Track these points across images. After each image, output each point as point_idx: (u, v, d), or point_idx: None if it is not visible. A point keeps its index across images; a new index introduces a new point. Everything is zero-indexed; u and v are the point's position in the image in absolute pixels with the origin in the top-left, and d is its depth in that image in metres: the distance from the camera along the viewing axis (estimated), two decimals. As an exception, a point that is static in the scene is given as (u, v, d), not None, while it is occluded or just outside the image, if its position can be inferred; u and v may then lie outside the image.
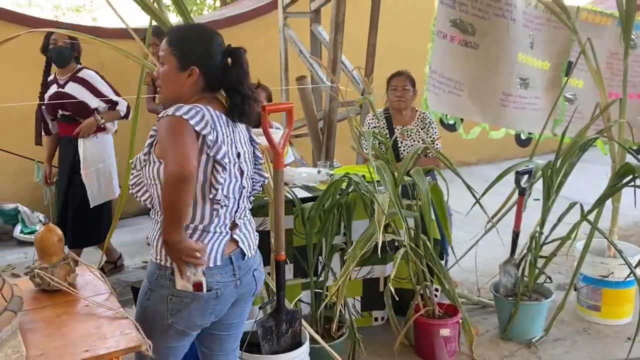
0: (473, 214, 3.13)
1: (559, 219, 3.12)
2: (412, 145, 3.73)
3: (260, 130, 2.31)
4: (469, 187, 2.88)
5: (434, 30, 3.94)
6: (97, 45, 2.60)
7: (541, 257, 3.19)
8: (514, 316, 3.12)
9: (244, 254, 1.96)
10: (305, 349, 2.49)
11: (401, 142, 3.77)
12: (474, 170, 7.19)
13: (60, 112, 3.74)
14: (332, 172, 3.28)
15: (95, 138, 3.87)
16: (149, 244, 2.03)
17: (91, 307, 1.79)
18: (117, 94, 3.94)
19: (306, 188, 3.14)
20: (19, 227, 5.01)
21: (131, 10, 5.06)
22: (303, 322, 2.54)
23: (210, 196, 1.82)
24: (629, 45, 3.34)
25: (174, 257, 1.77)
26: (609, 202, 3.32)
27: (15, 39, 2.24)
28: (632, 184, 2.99)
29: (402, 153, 3.72)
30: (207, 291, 1.83)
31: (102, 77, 3.91)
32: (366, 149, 2.74)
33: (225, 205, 1.86)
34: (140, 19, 6.18)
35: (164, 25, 2.37)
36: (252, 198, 2.07)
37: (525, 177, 3.16)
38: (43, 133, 3.97)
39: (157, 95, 4.24)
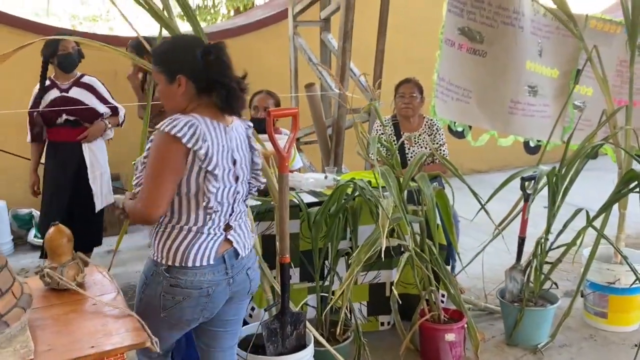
0: (481, 220, 3.15)
1: (565, 225, 3.13)
2: (419, 151, 3.76)
3: (266, 135, 2.36)
4: (474, 193, 2.90)
5: (442, 38, 3.97)
6: (110, 53, 2.66)
7: (547, 263, 3.20)
8: (520, 322, 3.13)
9: (237, 254, 2.03)
10: (309, 350, 2.52)
11: (408, 149, 3.80)
12: (484, 178, 7.19)
13: (64, 116, 3.77)
14: (338, 178, 3.32)
15: (97, 143, 3.91)
16: (149, 246, 2.12)
17: (98, 306, 1.84)
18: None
19: (313, 193, 3.18)
20: (33, 232, 5.09)
21: (145, 21, 5.14)
22: (307, 324, 2.57)
23: (204, 204, 1.91)
24: (635, 53, 3.35)
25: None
26: (616, 209, 3.34)
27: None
28: (638, 190, 3.00)
29: (409, 159, 3.74)
30: (198, 289, 1.93)
31: (102, 83, 3.99)
32: (372, 155, 2.78)
33: (217, 211, 1.95)
34: (154, 29, 6.28)
35: (173, 32, 2.42)
36: (247, 202, 2.14)
37: (531, 183, 3.18)
38: (30, 140, 3.88)
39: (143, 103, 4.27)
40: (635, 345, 3.12)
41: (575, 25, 3.54)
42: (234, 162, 1.99)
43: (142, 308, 1.96)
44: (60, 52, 3.67)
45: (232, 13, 11.56)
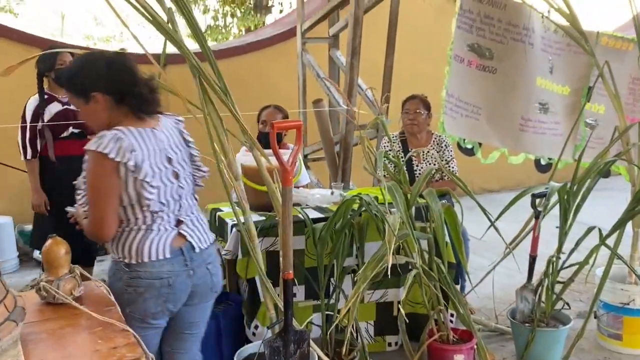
0: (491, 239, 3.08)
1: (577, 244, 3.05)
2: (427, 168, 3.70)
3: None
4: (483, 210, 2.84)
5: (450, 55, 3.94)
6: None
7: (559, 282, 3.12)
8: (531, 343, 3.04)
9: (194, 247, 2.13)
10: (313, 370, 2.45)
11: (417, 165, 3.75)
12: (496, 197, 7.12)
13: (70, 129, 3.73)
14: (345, 194, 3.27)
15: None
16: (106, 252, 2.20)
17: (94, 321, 1.78)
18: None
19: (319, 209, 3.13)
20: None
21: (157, 42, 5.16)
22: (312, 343, 2.50)
23: (144, 208, 2.01)
24: (646, 69, 3.29)
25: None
26: (630, 228, 3.26)
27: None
28: (652, 208, 2.93)
29: (417, 176, 3.69)
30: (159, 279, 2.03)
31: None
32: (379, 170, 2.72)
33: (162, 210, 2.05)
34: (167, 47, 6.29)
35: (177, 44, 2.40)
36: (196, 194, 2.25)
37: (542, 200, 3.11)
38: (31, 156, 3.73)
39: None
40: (652, 369, 3.03)
41: (587, 41, 3.49)
42: (170, 161, 2.07)
43: None
44: (60, 66, 3.65)
45: (243, 32, 11.66)
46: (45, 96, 3.74)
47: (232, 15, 12.27)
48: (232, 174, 2.41)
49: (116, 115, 2.03)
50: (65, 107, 3.72)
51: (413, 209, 2.94)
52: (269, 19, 11.66)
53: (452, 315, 3.14)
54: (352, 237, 2.91)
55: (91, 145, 1.94)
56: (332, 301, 2.94)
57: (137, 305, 2.03)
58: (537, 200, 3.13)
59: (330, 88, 4.37)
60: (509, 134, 4.18)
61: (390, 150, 3.62)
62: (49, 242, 1.93)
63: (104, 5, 2.52)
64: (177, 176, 2.10)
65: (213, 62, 2.40)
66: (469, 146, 4.14)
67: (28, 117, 3.68)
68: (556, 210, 3.14)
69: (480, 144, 4.17)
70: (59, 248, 1.92)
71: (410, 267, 2.94)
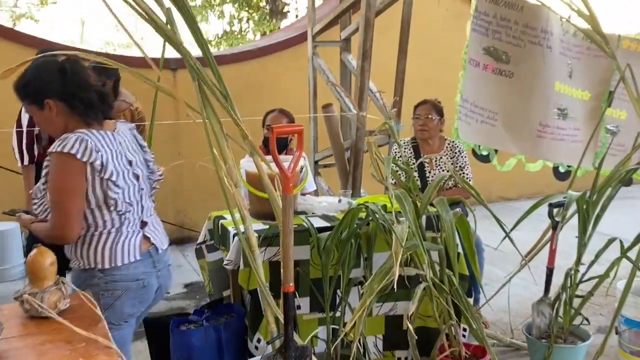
0: (508, 250, 2.93)
1: (597, 256, 2.90)
2: (440, 175, 3.57)
3: (281, 156, 2.23)
4: (497, 220, 2.69)
5: (465, 58, 3.82)
6: (130, 74, 2.59)
7: (577, 296, 2.97)
8: (548, 359, 2.90)
9: (157, 248, 2.23)
10: (316, 388, 2.33)
11: (429, 172, 3.62)
12: (514, 205, 6.96)
13: None
14: (353, 202, 3.14)
15: None
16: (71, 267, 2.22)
17: (78, 336, 1.68)
18: None
19: (325, 217, 3.01)
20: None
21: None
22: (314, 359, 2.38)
23: (112, 208, 2.06)
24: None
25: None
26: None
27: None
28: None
29: (430, 183, 3.56)
30: (135, 281, 2.12)
31: None
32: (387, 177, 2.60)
33: (129, 210, 2.12)
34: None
35: (176, 46, 2.30)
36: (153, 197, 2.32)
37: (560, 210, 2.97)
38: (28, 162, 3.60)
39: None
40: (677, 389, 2.86)
41: (607, 44, 3.34)
42: (130, 163, 2.15)
43: None
44: None
45: (257, 37, 11.61)
46: None
47: (249, 20, 12.26)
48: (232, 180, 2.30)
49: (72, 121, 2.07)
50: None
51: (424, 218, 2.81)
52: (284, 24, 11.61)
53: (464, 329, 3.00)
54: (359, 247, 2.78)
55: (56, 147, 1.97)
56: (338, 314, 2.82)
57: (114, 309, 2.09)
58: (555, 210, 2.98)
59: (341, 93, 4.25)
60: (526, 140, 4.05)
61: (402, 156, 3.50)
62: (33, 252, 1.83)
63: (124, 12, 2.47)
64: (137, 178, 2.17)
65: (213, 65, 2.31)
66: (485, 153, 4.01)
67: (24, 122, 3.57)
68: (575, 219, 2.99)
69: (496, 151, 4.05)
70: (43, 258, 1.82)
71: (420, 279, 2.81)
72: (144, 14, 2.31)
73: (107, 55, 5.28)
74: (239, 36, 12.30)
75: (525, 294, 3.67)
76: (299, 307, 2.83)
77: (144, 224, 2.19)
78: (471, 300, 3.06)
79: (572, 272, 2.93)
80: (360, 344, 2.66)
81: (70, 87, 2.04)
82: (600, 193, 2.85)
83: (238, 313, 2.90)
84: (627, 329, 3.13)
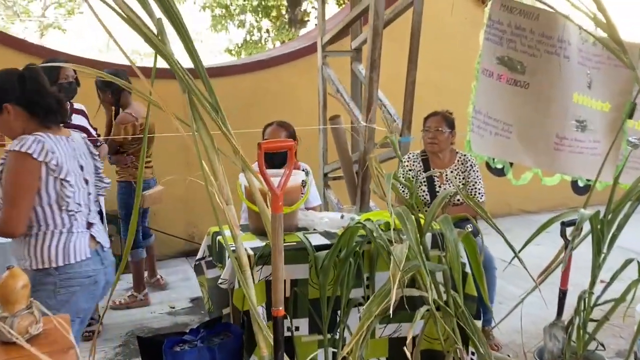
0: (526, 265, 2.79)
1: (612, 278, 2.73)
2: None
3: (280, 171, 2.14)
4: (506, 241, 2.54)
5: (478, 69, 3.67)
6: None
7: (592, 320, 2.80)
8: (561, 388, 2.73)
9: (103, 247, 2.44)
10: (309, 417, 2.21)
11: (439, 187, 3.48)
12: (533, 219, 6.74)
13: None
14: (358, 217, 3.02)
15: None
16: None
17: (47, 364, 1.59)
18: None
19: (327, 234, 2.89)
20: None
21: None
22: (308, 386, 2.26)
23: (64, 207, 2.24)
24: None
25: None
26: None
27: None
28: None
29: (439, 199, 3.42)
30: (88, 277, 2.32)
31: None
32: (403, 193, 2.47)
33: (79, 211, 2.30)
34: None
35: (166, 58, 2.22)
36: (97, 202, 2.52)
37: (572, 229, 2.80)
38: None
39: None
40: (700, 421, 2.67)
41: (626, 54, 3.18)
42: (82, 168, 2.35)
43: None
44: (63, 81, 3.55)
45: (277, 46, 11.56)
46: None
47: (271, 29, 12.23)
48: (222, 197, 2.20)
49: (30, 125, 2.24)
50: (67, 121, 3.65)
51: (429, 235, 2.68)
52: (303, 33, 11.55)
53: (472, 353, 2.85)
54: (359, 267, 2.66)
55: (14, 146, 2.13)
56: (338, 336, 2.69)
57: (70, 305, 2.26)
58: (568, 230, 2.82)
59: (349, 104, 4.14)
60: (542, 153, 3.88)
61: (411, 170, 3.37)
62: (5, 274, 1.75)
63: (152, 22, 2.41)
64: (87, 182, 2.37)
65: (204, 76, 2.22)
66: (499, 166, 3.86)
67: None
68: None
69: (511, 164, 3.89)
70: (15, 281, 1.73)
71: (424, 300, 2.67)
72: (132, 23, 2.24)
73: (112, 65, 5.25)
74: (259, 45, 12.27)
75: (540, 313, 3.48)
76: (297, 329, 2.71)
77: (90, 225, 2.38)
78: (480, 323, 2.91)
79: (586, 295, 2.76)
80: (360, 368, 2.53)
81: (29, 94, 2.22)
82: (616, 212, 2.69)
83: (235, 333, 2.79)
84: (647, 355, 2.95)
